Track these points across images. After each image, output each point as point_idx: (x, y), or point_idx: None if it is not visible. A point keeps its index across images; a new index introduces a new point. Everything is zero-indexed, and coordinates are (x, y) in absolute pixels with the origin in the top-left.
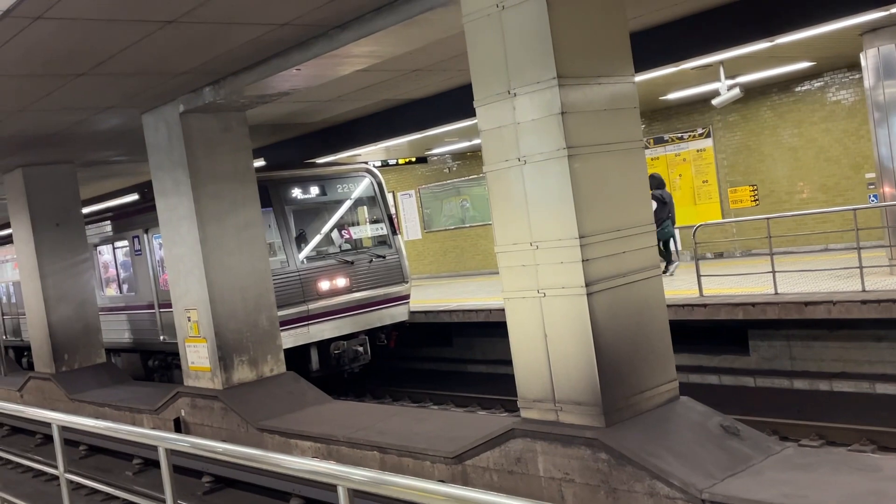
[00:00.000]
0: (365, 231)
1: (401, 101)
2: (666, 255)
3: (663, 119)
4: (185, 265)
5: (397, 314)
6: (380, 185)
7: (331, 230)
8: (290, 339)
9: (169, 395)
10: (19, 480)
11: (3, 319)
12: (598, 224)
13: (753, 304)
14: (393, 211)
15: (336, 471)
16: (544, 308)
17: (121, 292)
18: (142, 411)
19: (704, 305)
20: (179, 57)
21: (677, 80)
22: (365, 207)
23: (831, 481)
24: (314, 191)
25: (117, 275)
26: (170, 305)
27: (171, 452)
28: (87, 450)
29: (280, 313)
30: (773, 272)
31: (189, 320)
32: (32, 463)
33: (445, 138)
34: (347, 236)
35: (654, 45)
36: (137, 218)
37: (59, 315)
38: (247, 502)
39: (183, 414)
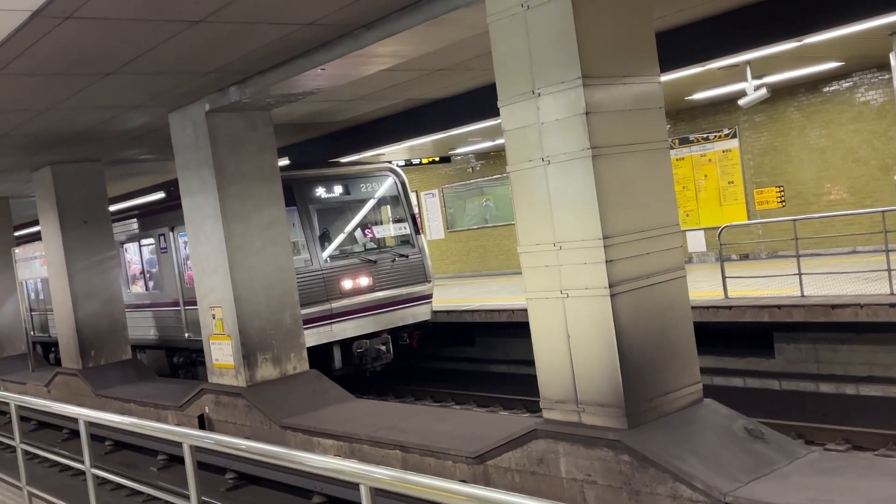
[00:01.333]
0: (388, 230)
1: (425, 100)
2: None
3: (689, 119)
4: (210, 263)
5: (420, 313)
6: (403, 184)
7: (354, 229)
8: (313, 337)
9: (193, 392)
10: (46, 474)
11: (31, 315)
12: (622, 225)
13: (779, 307)
14: (416, 210)
15: (359, 469)
16: (567, 309)
17: (147, 289)
18: (167, 407)
19: (729, 307)
20: (206, 56)
21: (703, 79)
22: (388, 207)
23: (857, 486)
24: (338, 190)
25: (143, 272)
26: (195, 303)
27: (196, 449)
28: (112, 445)
29: (303, 311)
30: (800, 274)
31: (214, 318)
32: (59, 458)
33: (469, 138)
34: (371, 235)
35: (680, 45)
36: (163, 216)
37: (86, 311)
38: (269, 499)
39: (207, 411)
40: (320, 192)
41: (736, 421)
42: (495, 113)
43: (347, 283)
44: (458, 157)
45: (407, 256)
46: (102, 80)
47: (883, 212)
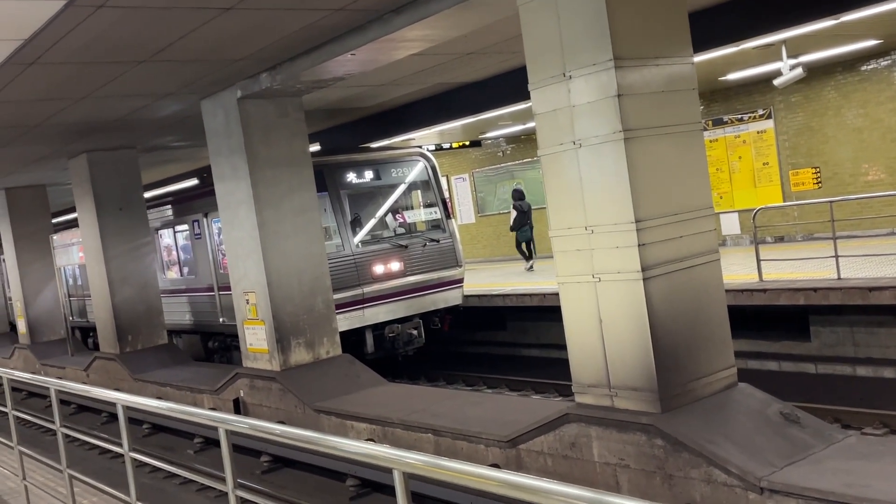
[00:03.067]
0: (419, 215)
1: (455, 84)
2: (526, 253)
3: (722, 100)
4: (244, 249)
5: (451, 298)
6: (434, 168)
7: (385, 214)
8: (346, 322)
9: (228, 376)
10: (87, 457)
11: (70, 301)
12: (654, 208)
13: (815, 290)
14: (446, 195)
15: (392, 455)
16: (599, 293)
17: (182, 275)
18: (202, 391)
19: (764, 290)
20: (237, 43)
21: (737, 60)
22: (419, 191)
23: (895, 471)
24: (369, 175)
25: (178, 258)
26: (229, 288)
27: (231, 433)
28: (150, 428)
29: (335, 296)
30: (837, 257)
31: (247, 303)
32: (99, 441)
33: (499, 122)
34: (401, 220)
35: (713, 25)
36: (197, 202)
37: (123, 297)
38: (304, 482)
39: (242, 394)
40: (351, 177)
41: (771, 405)
42: (525, 96)
43: (379, 268)
44: (489, 141)
45: (438, 241)
46: (136, 68)
47: None
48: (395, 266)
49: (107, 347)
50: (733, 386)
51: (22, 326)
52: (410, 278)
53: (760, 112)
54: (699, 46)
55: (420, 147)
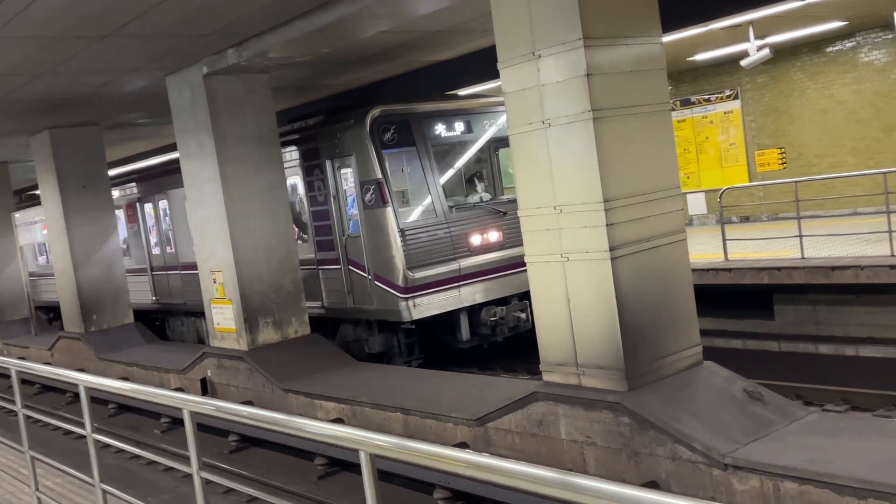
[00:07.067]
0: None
1: (426, 62)
2: None
3: (690, 80)
4: (211, 227)
5: None
6: None
7: (477, 175)
8: (438, 303)
9: (196, 356)
10: (51, 438)
11: (33, 280)
12: (622, 188)
13: (779, 269)
14: None
15: (358, 436)
16: (568, 272)
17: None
18: (169, 371)
19: (729, 270)
20: (203, 18)
21: (705, 40)
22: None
23: (856, 447)
24: (459, 127)
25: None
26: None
27: (197, 414)
28: (116, 408)
29: (426, 273)
30: (801, 236)
31: (214, 282)
32: (62, 423)
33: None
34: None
35: (682, 5)
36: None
37: (87, 276)
38: (272, 461)
39: (209, 374)
40: (440, 129)
41: (735, 383)
42: (495, 74)
43: (476, 239)
44: None
45: None
46: (99, 42)
47: (885, 173)
48: (494, 236)
49: (71, 327)
50: (698, 364)
51: None
52: (510, 251)
53: (727, 93)
54: (668, 26)
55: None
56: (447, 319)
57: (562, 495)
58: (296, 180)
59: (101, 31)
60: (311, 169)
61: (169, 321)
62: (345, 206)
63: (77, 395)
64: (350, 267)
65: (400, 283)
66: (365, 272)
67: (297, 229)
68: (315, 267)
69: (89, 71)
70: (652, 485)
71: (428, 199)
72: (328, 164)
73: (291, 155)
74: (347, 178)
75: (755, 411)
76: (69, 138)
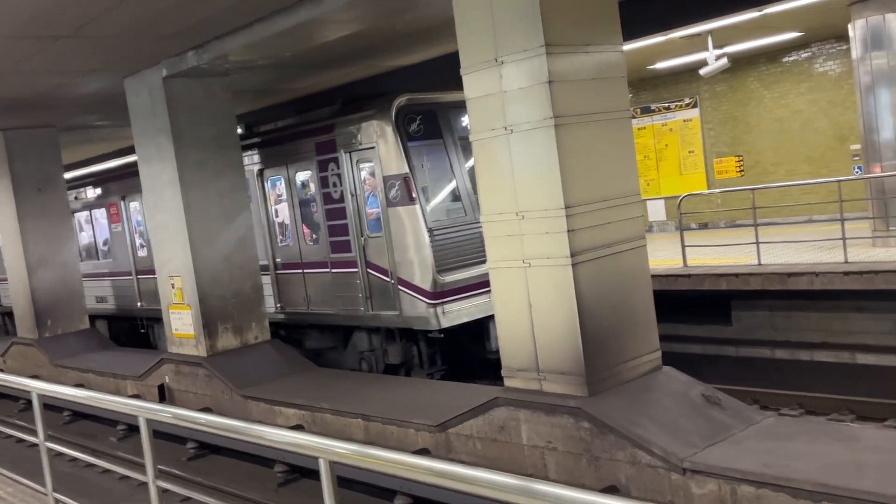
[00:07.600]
0: None
1: (389, 67)
2: None
3: (651, 88)
4: (169, 232)
5: None
6: None
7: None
8: (469, 310)
9: (153, 362)
10: (2, 447)
11: None
12: (584, 194)
13: (737, 275)
14: None
15: (318, 443)
16: (529, 278)
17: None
18: (126, 377)
19: (688, 276)
20: (162, 19)
21: (665, 49)
22: None
23: (811, 451)
24: None
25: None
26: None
27: (154, 421)
28: (71, 415)
29: (457, 277)
30: (758, 243)
31: (173, 287)
32: (13, 431)
33: None
34: None
35: (642, 14)
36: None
37: (41, 280)
38: (231, 468)
39: (167, 381)
40: (467, 121)
41: (694, 388)
42: (459, 81)
43: None
44: None
45: None
46: (55, 43)
47: (839, 181)
48: None
49: (25, 332)
50: (658, 369)
51: None
52: None
53: (687, 101)
54: (628, 35)
55: None
56: (474, 327)
57: (523, 502)
58: (306, 176)
59: (57, 32)
60: (325, 163)
61: (154, 328)
62: (364, 203)
63: (30, 402)
64: (369, 270)
65: (428, 287)
66: (387, 276)
67: (307, 230)
68: (328, 270)
69: (45, 72)
70: (612, 489)
71: (457, 197)
72: (345, 157)
73: (302, 147)
74: (368, 172)
75: (713, 416)
76: (24, 140)
